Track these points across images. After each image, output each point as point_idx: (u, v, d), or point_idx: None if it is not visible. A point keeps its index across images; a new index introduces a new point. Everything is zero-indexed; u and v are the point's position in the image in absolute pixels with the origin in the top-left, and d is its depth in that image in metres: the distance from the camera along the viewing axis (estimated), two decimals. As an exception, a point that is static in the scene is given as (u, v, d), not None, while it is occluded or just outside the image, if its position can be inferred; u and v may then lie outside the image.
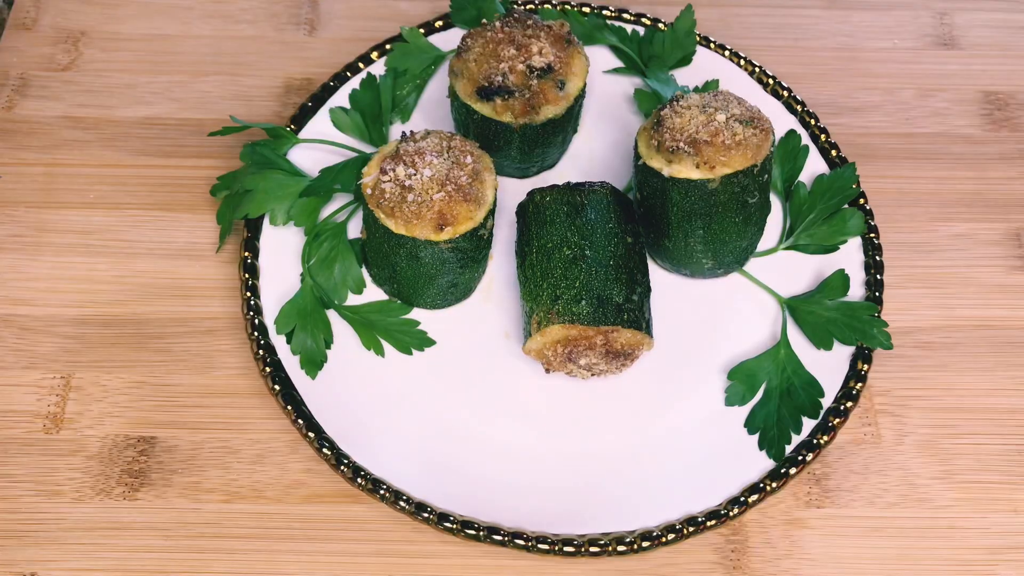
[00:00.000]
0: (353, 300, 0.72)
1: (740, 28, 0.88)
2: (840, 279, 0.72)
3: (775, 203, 0.76)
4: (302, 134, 0.78)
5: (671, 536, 0.64)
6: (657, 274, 0.74)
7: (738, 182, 0.67)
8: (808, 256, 0.74)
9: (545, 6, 0.84)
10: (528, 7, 0.84)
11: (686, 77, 0.81)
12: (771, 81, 0.81)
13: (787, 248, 0.75)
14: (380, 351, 0.70)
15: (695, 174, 0.66)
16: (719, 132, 0.66)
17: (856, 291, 0.73)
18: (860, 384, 0.69)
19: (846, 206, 0.75)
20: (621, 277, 0.67)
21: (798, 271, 0.74)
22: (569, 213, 0.69)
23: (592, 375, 0.70)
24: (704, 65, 0.82)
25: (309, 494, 0.67)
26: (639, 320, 0.66)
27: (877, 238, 0.74)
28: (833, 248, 0.74)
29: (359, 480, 0.65)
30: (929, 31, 0.89)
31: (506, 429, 0.68)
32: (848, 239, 0.74)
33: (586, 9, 0.84)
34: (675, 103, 0.68)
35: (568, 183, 0.71)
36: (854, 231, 0.74)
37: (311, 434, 0.66)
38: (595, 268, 0.67)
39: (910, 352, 0.73)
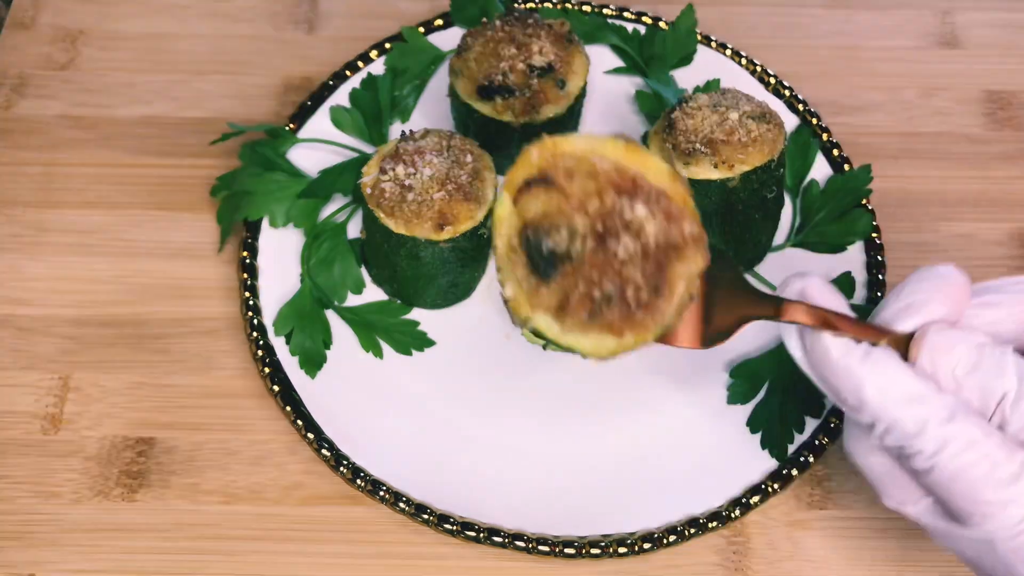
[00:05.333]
0: (353, 300, 0.72)
1: (741, 27, 0.88)
2: (846, 281, 0.72)
3: (785, 199, 0.76)
4: (301, 133, 0.77)
5: (672, 537, 0.64)
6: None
7: (757, 178, 0.67)
8: (814, 256, 0.74)
9: (545, 5, 0.84)
10: (528, 6, 0.84)
11: (687, 76, 0.81)
12: (772, 80, 0.81)
13: (795, 245, 0.74)
14: (379, 352, 0.70)
15: (714, 174, 0.66)
16: (734, 130, 0.66)
17: (858, 291, 0.72)
18: (862, 385, 0.69)
19: (856, 207, 0.75)
20: None
21: (804, 270, 0.73)
22: None
23: (623, 317, 0.45)
24: (705, 64, 0.82)
25: (308, 495, 0.66)
26: None
27: (879, 238, 0.74)
28: (841, 248, 0.74)
29: (359, 481, 0.65)
30: (931, 30, 0.88)
31: (506, 430, 0.68)
32: (856, 240, 0.74)
33: (587, 8, 0.83)
34: (684, 105, 0.68)
35: None
36: (862, 232, 0.73)
37: (310, 435, 0.66)
38: None
39: (912, 352, 0.73)
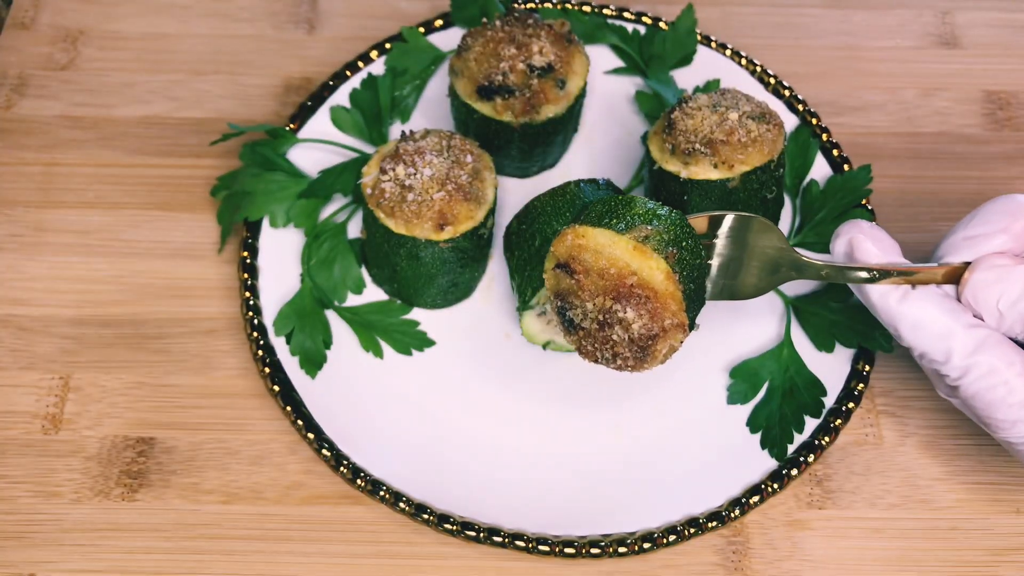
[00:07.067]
0: (353, 300, 0.72)
1: (741, 27, 0.88)
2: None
3: (785, 199, 0.76)
4: (301, 133, 0.77)
5: (672, 537, 0.64)
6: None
7: (756, 178, 0.67)
8: (815, 256, 0.74)
9: (545, 5, 0.84)
10: (528, 6, 0.84)
11: (687, 76, 0.81)
12: (772, 80, 0.81)
13: (794, 245, 0.74)
14: (379, 352, 0.70)
15: (714, 174, 0.66)
16: (734, 131, 0.66)
17: (858, 291, 0.72)
18: (862, 385, 0.69)
19: (855, 207, 0.74)
20: None
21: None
22: (556, 212, 0.68)
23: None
24: (705, 64, 0.82)
25: (308, 495, 0.66)
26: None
27: (879, 238, 0.74)
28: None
29: (359, 481, 0.65)
30: (931, 30, 0.88)
31: (506, 430, 0.68)
32: None
33: (587, 8, 0.83)
34: (684, 105, 0.68)
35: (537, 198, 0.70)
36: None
37: (310, 435, 0.66)
38: None
39: (912, 352, 0.73)
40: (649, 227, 0.56)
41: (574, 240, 0.57)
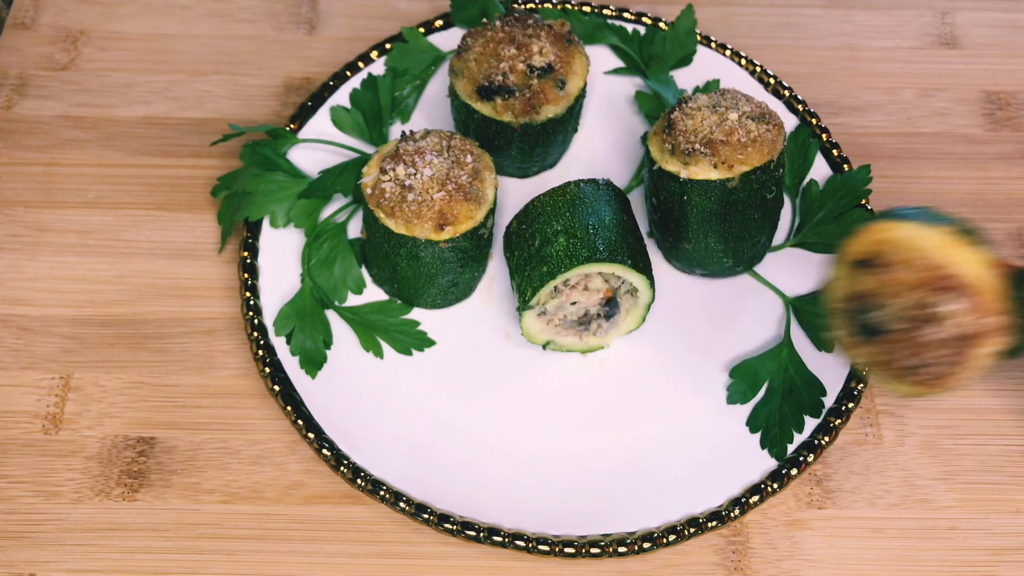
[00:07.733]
0: (353, 300, 0.72)
1: (741, 27, 0.88)
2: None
3: (784, 199, 0.76)
4: (302, 134, 0.77)
5: (672, 537, 0.64)
6: (663, 273, 0.73)
7: (756, 178, 0.67)
8: (814, 256, 0.74)
9: (545, 5, 0.84)
10: (528, 6, 0.84)
11: (687, 76, 0.81)
12: (772, 80, 0.81)
13: (794, 245, 0.74)
14: (379, 352, 0.70)
15: (714, 175, 0.66)
16: (734, 131, 0.66)
17: (857, 291, 0.73)
18: (862, 385, 0.69)
19: (855, 207, 0.75)
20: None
21: (805, 271, 0.74)
22: (555, 210, 0.68)
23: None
24: (705, 64, 0.82)
25: (309, 495, 0.66)
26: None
27: (879, 238, 0.74)
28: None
29: (359, 481, 0.65)
30: (931, 31, 0.88)
31: (506, 430, 0.68)
32: None
33: (587, 8, 0.84)
34: (683, 105, 0.68)
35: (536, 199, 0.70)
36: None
37: (311, 435, 0.66)
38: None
39: (911, 352, 0.73)
40: (953, 225, 0.51)
41: (877, 235, 0.51)
